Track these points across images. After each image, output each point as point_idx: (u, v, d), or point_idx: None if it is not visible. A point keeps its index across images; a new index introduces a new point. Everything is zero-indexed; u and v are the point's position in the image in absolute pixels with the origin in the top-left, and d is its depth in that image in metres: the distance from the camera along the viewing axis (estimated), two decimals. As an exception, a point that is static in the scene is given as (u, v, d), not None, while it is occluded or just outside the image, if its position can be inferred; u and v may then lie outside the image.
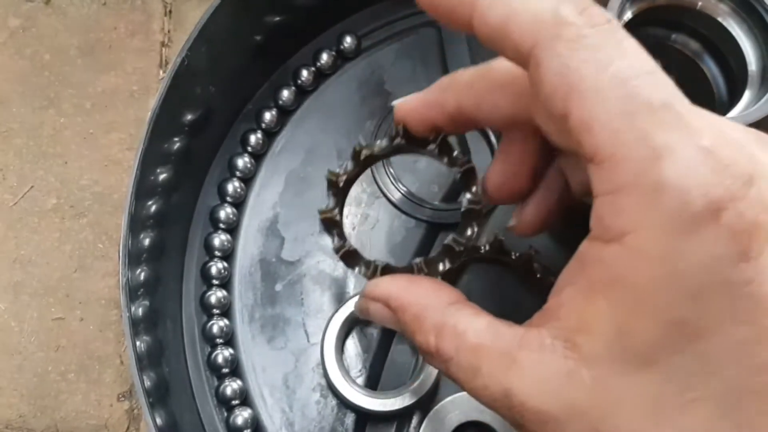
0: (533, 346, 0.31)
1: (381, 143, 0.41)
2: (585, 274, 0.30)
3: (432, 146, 0.40)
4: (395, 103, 0.40)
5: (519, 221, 0.42)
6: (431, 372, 0.53)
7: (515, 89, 0.36)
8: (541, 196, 0.41)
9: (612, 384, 0.29)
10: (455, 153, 0.40)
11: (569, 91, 0.29)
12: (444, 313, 0.35)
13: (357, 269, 0.43)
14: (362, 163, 0.43)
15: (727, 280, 0.27)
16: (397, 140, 0.41)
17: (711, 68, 0.54)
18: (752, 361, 0.28)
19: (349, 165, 0.43)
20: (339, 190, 0.43)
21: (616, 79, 0.28)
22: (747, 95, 0.51)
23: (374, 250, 0.58)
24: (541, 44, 0.29)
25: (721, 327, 0.28)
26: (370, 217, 0.59)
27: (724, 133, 0.29)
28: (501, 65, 0.37)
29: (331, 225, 0.43)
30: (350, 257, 0.43)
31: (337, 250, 0.43)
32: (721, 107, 0.52)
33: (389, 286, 0.38)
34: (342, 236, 0.43)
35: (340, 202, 0.44)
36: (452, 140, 0.40)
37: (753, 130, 0.31)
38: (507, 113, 0.37)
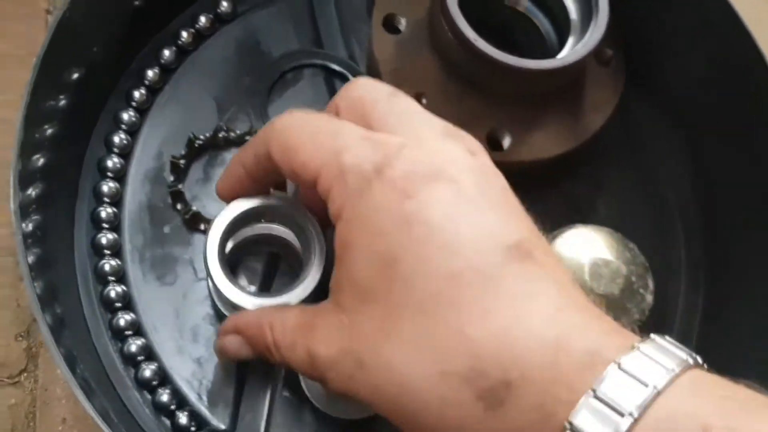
0: (322, 312, 0.41)
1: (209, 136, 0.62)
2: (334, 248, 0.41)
3: None
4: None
5: None
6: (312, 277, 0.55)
7: None
8: None
9: (358, 321, 0.38)
10: None
11: None
12: (270, 314, 0.45)
13: (202, 226, 0.61)
14: (196, 149, 0.62)
15: (399, 214, 0.36)
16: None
17: (541, 21, 0.62)
18: (437, 272, 0.36)
19: (184, 151, 0.62)
20: (180, 170, 0.61)
21: None
22: (571, 40, 0.59)
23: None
24: None
25: (405, 251, 0.36)
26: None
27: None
28: None
29: (176, 196, 0.61)
30: (194, 218, 0.60)
31: (184, 214, 0.60)
32: (552, 52, 0.60)
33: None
34: (186, 203, 0.61)
35: (183, 179, 0.62)
36: None
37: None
38: None
